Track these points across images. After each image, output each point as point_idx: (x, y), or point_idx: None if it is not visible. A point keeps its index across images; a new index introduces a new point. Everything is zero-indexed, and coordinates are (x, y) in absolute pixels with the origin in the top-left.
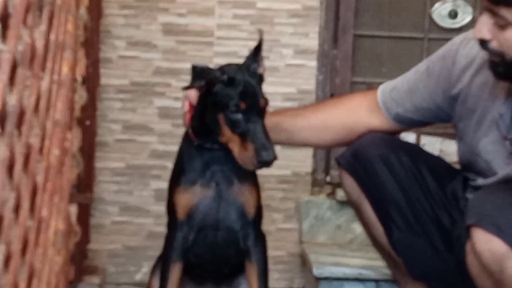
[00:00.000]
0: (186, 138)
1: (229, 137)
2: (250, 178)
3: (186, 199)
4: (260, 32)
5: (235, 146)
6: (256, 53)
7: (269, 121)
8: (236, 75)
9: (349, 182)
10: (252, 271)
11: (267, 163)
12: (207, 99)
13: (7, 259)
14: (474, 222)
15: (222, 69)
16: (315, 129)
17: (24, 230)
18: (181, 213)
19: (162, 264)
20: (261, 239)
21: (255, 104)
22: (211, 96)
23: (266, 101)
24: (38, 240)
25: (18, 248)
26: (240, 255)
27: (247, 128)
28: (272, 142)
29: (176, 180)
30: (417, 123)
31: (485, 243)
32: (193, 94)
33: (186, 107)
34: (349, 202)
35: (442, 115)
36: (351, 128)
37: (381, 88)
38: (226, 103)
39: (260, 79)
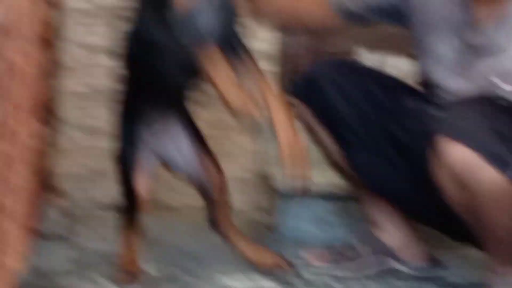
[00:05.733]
0: None
1: None
2: None
3: None
4: None
5: None
6: None
7: None
8: None
9: (303, 110)
10: None
11: None
12: None
13: None
14: (444, 133)
15: None
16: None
17: None
18: None
19: None
20: None
21: None
22: None
23: None
24: None
25: None
26: None
27: None
28: None
29: None
30: (366, 20)
31: (455, 153)
32: None
33: None
34: (305, 129)
35: (395, 15)
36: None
37: None
38: None
39: None
